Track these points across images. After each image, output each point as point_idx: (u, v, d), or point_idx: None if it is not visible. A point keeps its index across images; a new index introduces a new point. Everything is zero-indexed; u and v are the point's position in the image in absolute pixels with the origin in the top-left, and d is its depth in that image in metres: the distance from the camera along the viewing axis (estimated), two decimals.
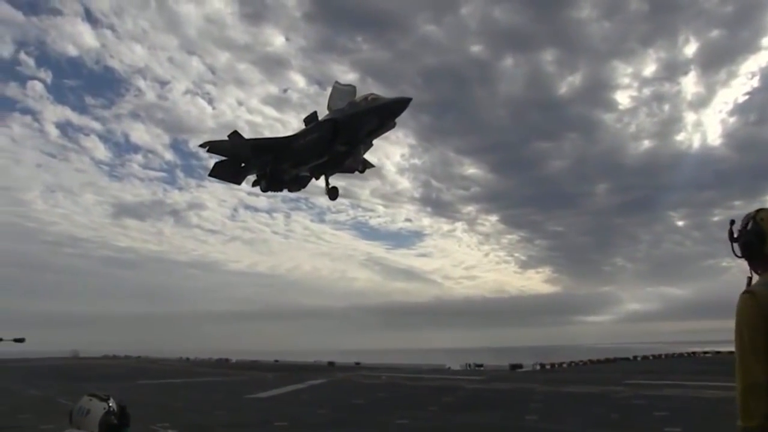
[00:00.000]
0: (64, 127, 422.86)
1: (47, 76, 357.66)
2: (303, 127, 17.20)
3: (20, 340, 7.68)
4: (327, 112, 16.61)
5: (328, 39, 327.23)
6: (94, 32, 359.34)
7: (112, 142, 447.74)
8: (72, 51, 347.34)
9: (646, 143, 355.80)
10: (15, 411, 22.85)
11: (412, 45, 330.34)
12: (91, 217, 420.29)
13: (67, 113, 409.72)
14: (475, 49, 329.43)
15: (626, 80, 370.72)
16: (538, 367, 57.23)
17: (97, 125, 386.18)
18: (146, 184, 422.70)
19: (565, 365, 59.47)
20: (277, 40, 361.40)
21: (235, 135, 17.13)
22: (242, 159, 18.25)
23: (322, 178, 18.45)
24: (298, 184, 19.15)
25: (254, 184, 19.04)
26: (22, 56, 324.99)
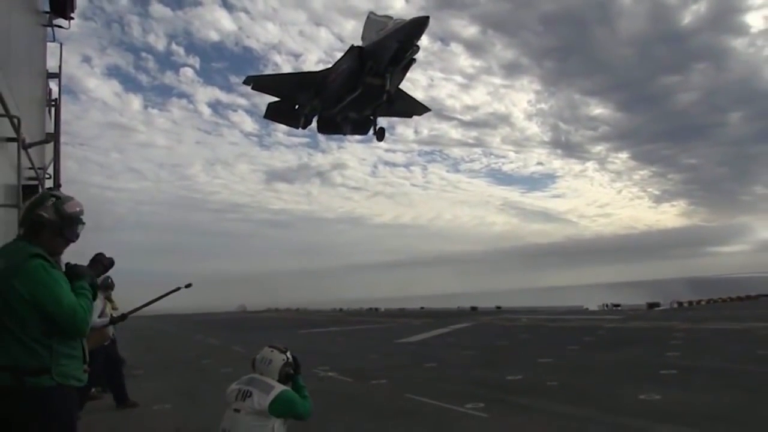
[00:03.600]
0: (214, 106, 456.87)
1: (195, 61, 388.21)
2: None
3: (188, 286, 9.49)
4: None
5: None
6: (231, 16, 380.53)
7: (257, 115, 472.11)
8: (214, 36, 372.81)
9: None
10: (199, 357, 26.17)
11: None
12: (246, 184, 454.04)
13: (216, 93, 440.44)
14: None
15: (758, 0, 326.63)
16: (675, 306, 55.85)
17: (243, 101, 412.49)
18: (292, 150, 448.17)
19: (703, 302, 57.07)
20: (397, 3, 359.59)
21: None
22: (291, 97, 18.60)
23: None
24: (352, 126, 19.26)
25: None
26: (174, 47, 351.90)
